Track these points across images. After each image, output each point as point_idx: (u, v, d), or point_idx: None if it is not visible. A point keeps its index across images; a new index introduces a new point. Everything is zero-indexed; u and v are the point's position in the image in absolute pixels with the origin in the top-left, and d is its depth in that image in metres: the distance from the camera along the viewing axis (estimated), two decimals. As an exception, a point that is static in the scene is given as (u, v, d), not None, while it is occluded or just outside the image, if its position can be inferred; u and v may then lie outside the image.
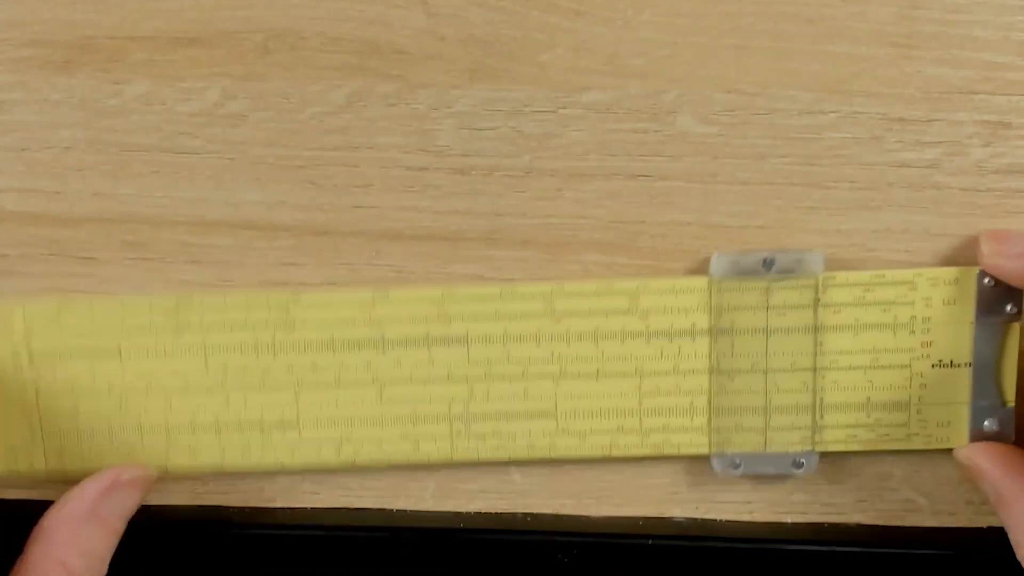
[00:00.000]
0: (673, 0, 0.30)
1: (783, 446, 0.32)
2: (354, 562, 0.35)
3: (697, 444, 0.33)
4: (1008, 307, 0.31)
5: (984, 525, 0.34)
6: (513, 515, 0.35)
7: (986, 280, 0.31)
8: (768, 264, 0.31)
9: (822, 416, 0.32)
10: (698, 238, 0.32)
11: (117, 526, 0.30)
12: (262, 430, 0.33)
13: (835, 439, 0.32)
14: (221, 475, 0.34)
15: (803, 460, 0.32)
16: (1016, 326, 0.31)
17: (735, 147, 0.31)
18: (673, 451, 0.33)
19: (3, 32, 0.31)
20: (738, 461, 0.33)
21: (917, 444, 0.32)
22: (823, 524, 0.34)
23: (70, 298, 0.32)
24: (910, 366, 0.32)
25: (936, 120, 0.31)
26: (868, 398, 0.32)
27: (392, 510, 0.35)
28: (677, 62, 0.31)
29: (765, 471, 0.33)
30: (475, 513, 0.35)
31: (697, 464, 0.34)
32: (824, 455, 0.33)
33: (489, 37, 0.31)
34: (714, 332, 0.32)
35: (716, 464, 0.33)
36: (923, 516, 0.34)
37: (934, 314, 0.31)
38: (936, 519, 0.34)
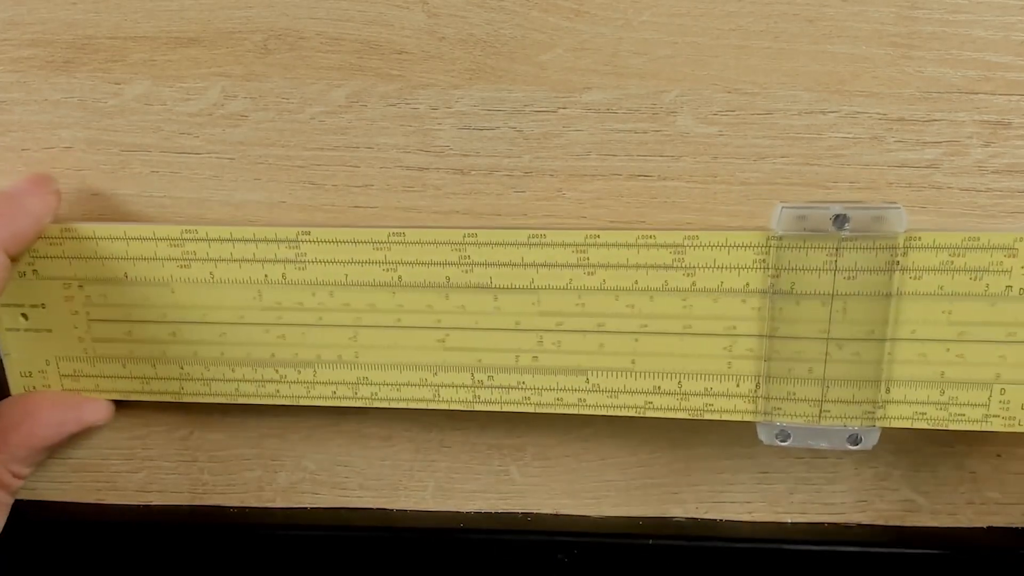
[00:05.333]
0: (673, 0, 0.30)
1: (840, 420, 0.30)
2: (354, 562, 0.35)
3: (742, 411, 0.31)
4: None
5: (984, 525, 0.34)
6: (513, 515, 0.35)
7: None
8: (840, 222, 0.28)
9: (888, 390, 0.30)
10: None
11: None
12: (235, 365, 0.32)
13: (900, 415, 0.30)
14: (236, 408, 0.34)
15: (861, 436, 0.30)
16: None
17: (735, 147, 0.31)
18: (714, 416, 0.31)
19: (3, 32, 0.32)
20: (788, 432, 0.30)
21: (995, 426, 0.30)
22: (823, 524, 0.34)
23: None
24: (1000, 342, 0.29)
25: (936, 120, 0.31)
26: (943, 373, 0.29)
27: (392, 510, 0.35)
28: (677, 62, 0.31)
29: (817, 445, 0.30)
30: (475, 513, 0.35)
31: (699, 460, 0.34)
32: (826, 451, 0.33)
33: (489, 37, 0.31)
34: (771, 294, 0.29)
35: (763, 434, 0.31)
36: (923, 516, 0.34)
37: None
38: (936, 519, 0.34)
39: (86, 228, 0.31)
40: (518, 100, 0.31)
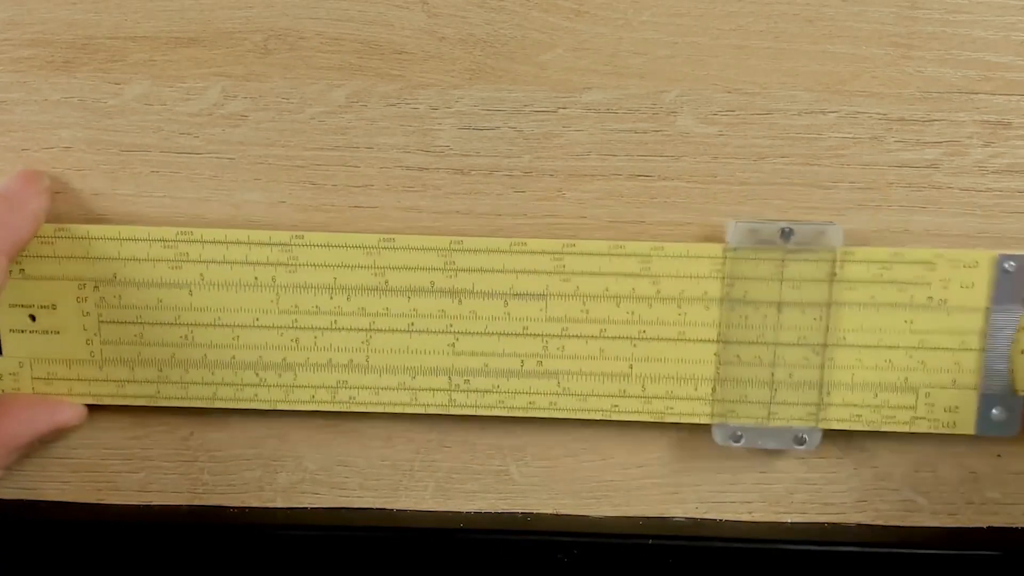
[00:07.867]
0: (673, 0, 0.30)
1: (786, 421, 0.32)
2: (354, 562, 0.35)
3: (699, 414, 0.32)
4: None
5: (984, 525, 0.34)
6: (513, 515, 0.35)
7: (1007, 265, 0.31)
8: (786, 235, 0.31)
9: (828, 393, 0.32)
10: (698, 238, 0.32)
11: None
12: (242, 369, 0.33)
13: (839, 417, 0.32)
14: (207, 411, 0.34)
15: (805, 436, 0.32)
16: None
17: (735, 147, 0.31)
18: (675, 419, 0.32)
19: (3, 32, 0.31)
20: (739, 433, 0.32)
21: (922, 427, 0.32)
22: (823, 524, 0.34)
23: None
24: (921, 348, 0.31)
25: (936, 120, 0.31)
26: (877, 378, 0.32)
27: (392, 510, 0.35)
28: (677, 62, 0.31)
29: (766, 445, 0.33)
30: (475, 513, 0.35)
31: (699, 460, 0.34)
32: (826, 451, 0.33)
33: (489, 37, 0.31)
34: (725, 301, 0.31)
35: (717, 435, 0.33)
36: (923, 516, 0.34)
37: (951, 297, 0.31)
38: (936, 519, 0.34)
39: (79, 228, 0.31)
40: (518, 100, 0.31)
